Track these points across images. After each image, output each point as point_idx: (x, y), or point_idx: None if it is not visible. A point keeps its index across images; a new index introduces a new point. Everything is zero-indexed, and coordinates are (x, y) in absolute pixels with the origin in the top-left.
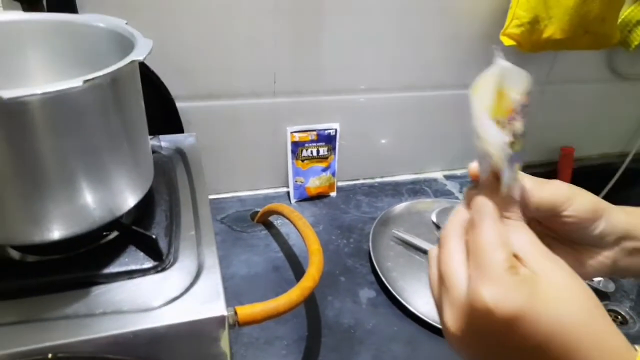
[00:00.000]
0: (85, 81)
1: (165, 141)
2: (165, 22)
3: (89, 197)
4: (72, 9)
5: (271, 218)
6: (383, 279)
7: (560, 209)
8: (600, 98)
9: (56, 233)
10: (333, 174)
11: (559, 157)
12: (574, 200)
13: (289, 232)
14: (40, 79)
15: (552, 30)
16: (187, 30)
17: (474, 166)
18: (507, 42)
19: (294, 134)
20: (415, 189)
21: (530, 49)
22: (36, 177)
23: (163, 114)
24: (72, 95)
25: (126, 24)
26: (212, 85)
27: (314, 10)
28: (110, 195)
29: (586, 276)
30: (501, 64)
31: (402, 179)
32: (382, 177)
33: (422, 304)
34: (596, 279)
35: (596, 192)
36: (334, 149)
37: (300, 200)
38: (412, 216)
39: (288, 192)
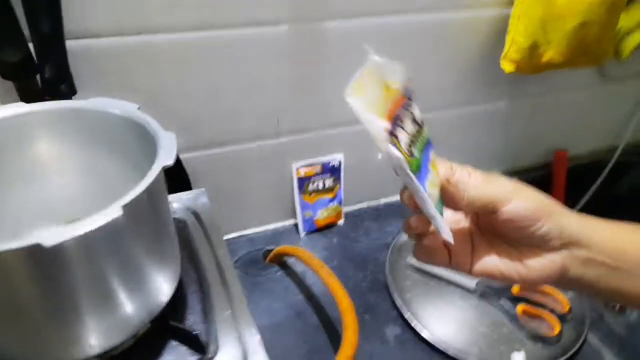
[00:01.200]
0: (124, 206)
1: (176, 202)
2: (165, 77)
3: (127, 307)
4: (69, 83)
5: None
6: (407, 315)
7: (494, 208)
8: (589, 99)
9: (97, 348)
10: (340, 203)
11: (553, 159)
12: (511, 199)
13: (304, 271)
14: (56, 169)
15: (551, 54)
16: (187, 83)
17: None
18: (508, 67)
19: (300, 169)
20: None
21: (530, 71)
22: (75, 302)
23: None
24: (111, 223)
25: (138, 108)
26: (216, 134)
27: (315, 50)
28: (146, 297)
29: (531, 279)
30: (374, 59)
31: None
32: (386, 197)
33: (446, 332)
34: None
35: (589, 189)
36: (339, 178)
37: (309, 233)
38: None
39: (295, 225)
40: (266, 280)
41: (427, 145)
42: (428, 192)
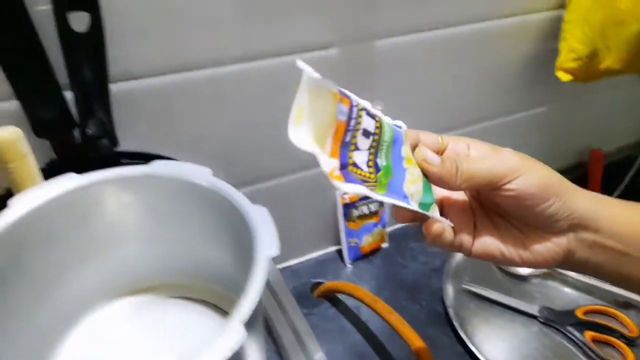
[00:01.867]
0: (246, 324)
1: None
2: (206, 114)
3: None
4: (111, 135)
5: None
6: (474, 350)
7: (499, 184)
8: (624, 97)
9: None
10: (384, 226)
11: (587, 159)
12: (519, 175)
13: (358, 306)
14: (132, 240)
15: (610, 61)
16: (229, 118)
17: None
18: (564, 77)
19: (344, 196)
20: None
21: (586, 79)
22: None
23: None
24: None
25: (213, 174)
26: (259, 168)
27: (364, 72)
28: None
29: (533, 263)
30: (311, 76)
31: None
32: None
33: None
34: None
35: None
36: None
37: (355, 260)
38: (471, 262)
39: (338, 251)
40: (320, 321)
41: (394, 143)
42: (410, 193)
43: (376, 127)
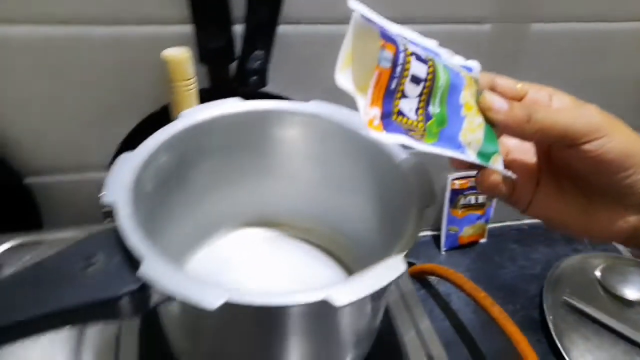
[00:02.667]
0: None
1: None
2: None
3: None
4: (262, 75)
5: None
6: None
7: (578, 141)
8: None
9: None
10: (486, 221)
11: None
12: (603, 135)
13: (449, 293)
14: (278, 174)
15: None
16: None
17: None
18: None
19: (455, 181)
20: (568, 237)
21: None
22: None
23: None
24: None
25: None
26: None
27: (513, 53)
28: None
29: (594, 236)
30: (357, 19)
31: None
32: (531, 218)
33: None
34: None
35: None
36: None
37: (450, 249)
38: (574, 274)
39: (433, 237)
40: None
41: (451, 89)
42: (467, 142)
43: (428, 73)
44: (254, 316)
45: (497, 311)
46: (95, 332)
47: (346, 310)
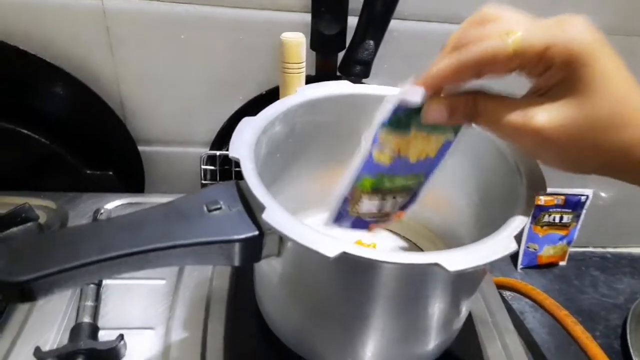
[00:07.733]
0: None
1: None
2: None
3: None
4: (367, 66)
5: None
6: None
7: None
8: None
9: None
10: (569, 243)
11: None
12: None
13: (523, 311)
14: None
15: None
16: None
17: None
18: None
19: (540, 197)
20: None
21: None
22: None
23: None
24: None
25: None
26: None
27: None
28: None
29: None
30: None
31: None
32: (614, 247)
33: None
34: None
35: None
36: (579, 216)
37: (527, 267)
38: None
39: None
40: None
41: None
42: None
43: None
44: (364, 273)
45: (579, 331)
46: (188, 291)
47: (450, 280)
